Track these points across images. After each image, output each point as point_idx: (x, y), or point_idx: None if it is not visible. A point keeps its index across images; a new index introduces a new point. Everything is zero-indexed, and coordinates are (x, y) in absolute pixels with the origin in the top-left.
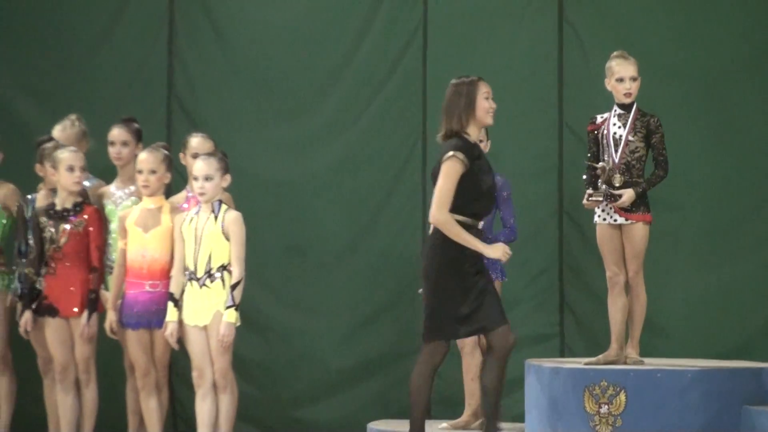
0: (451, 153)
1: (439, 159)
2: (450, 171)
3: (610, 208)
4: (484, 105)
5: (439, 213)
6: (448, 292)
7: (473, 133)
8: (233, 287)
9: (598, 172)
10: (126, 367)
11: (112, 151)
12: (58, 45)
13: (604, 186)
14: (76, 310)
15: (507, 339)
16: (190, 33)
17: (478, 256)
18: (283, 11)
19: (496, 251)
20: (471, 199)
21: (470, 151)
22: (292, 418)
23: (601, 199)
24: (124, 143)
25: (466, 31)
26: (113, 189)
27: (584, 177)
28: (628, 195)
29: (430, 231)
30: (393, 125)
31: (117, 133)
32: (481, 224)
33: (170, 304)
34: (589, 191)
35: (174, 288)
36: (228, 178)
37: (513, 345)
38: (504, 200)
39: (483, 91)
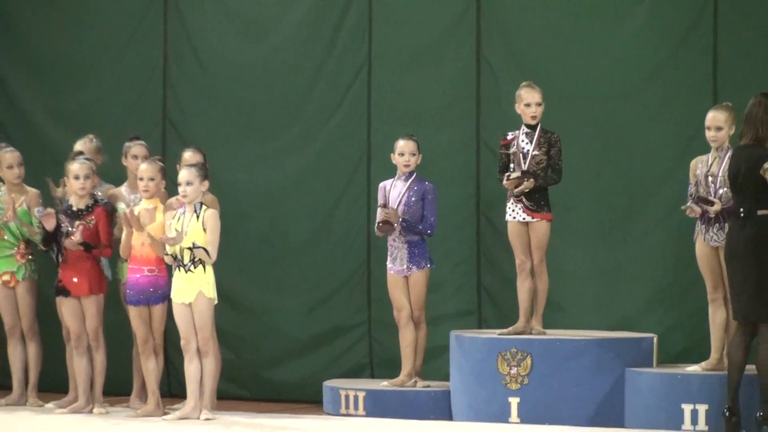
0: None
1: (748, 165)
2: None
3: (520, 209)
4: None
5: None
6: None
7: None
8: (206, 251)
9: (512, 175)
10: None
11: (134, 163)
12: (75, 75)
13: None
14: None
15: None
16: (180, 68)
17: None
18: (256, 50)
19: None
20: None
21: None
22: (263, 378)
23: (519, 174)
24: (146, 157)
25: (402, 65)
26: (124, 192)
27: (498, 176)
28: (530, 182)
29: (748, 225)
30: (344, 143)
31: (141, 149)
32: None
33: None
34: (507, 174)
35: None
36: (206, 183)
37: None
38: (429, 202)
39: None
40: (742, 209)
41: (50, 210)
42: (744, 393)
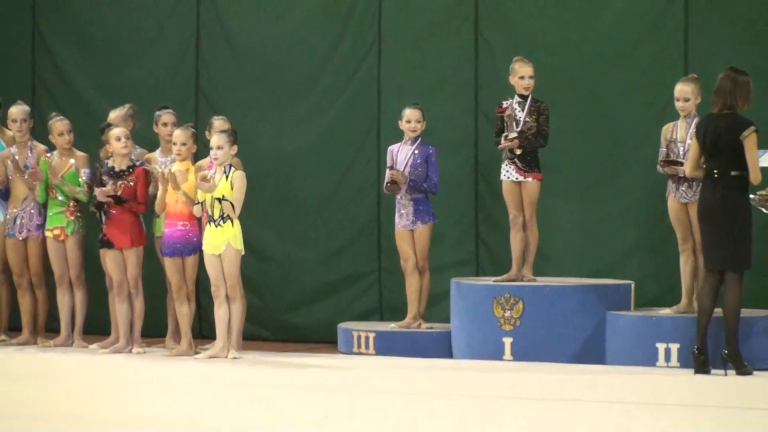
0: (753, 127)
1: (729, 130)
2: (756, 141)
3: (513, 170)
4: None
5: (760, 174)
6: (750, 228)
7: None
8: (231, 205)
9: (509, 135)
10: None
11: (165, 129)
12: (118, 51)
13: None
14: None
15: None
16: (211, 45)
17: None
18: (278, 29)
19: None
20: None
21: None
22: (284, 321)
23: (515, 135)
24: (174, 124)
25: (409, 42)
26: (158, 155)
27: (495, 139)
28: (517, 141)
29: (722, 185)
30: (356, 112)
31: (169, 117)
32: None
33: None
34: (503, 136)
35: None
36: (235, 147)
37: None
38: (432, 164)
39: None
40: (716, 170)
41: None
42: (711, 333)
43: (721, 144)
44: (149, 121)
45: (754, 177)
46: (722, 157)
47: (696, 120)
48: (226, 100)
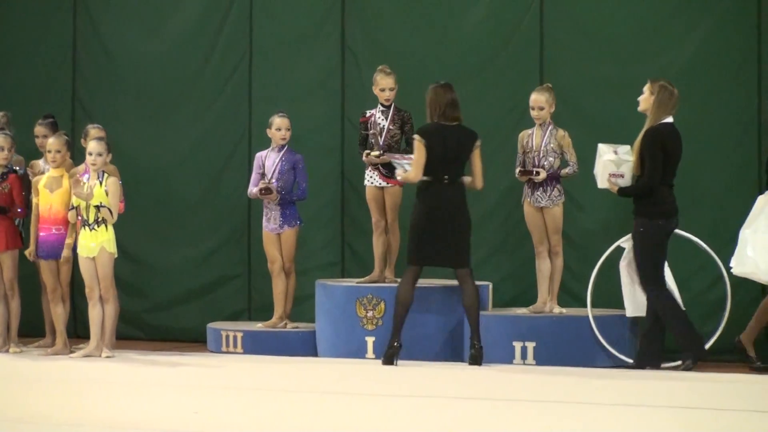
0: (480, 140)
1: (459, 142)
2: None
3: (376, 176)
4: None
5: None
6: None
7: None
8: (109, 211)
9: (372, 153)
10: (41, 285)
11: (37, 141)
12: None
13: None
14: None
15: None
16: (88, 55)
17: None
18: (154, 42)
19: None
20: None
21: None
22: (156, 321)
23: (379, 153)
24: (45, 136)
25: (278, 54)
26: (42, 164)
27: (359, 149)
28: (384, 157)
29: (452, 189)
30: (228, 121)
31: (40, 129)
32: None
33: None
34: (367, 152)
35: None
36: (110, 155)
37: None
38: (300, 171)
39: None
40: (447, 176)
41: None
42: (574, 330)
43: (454, 153)
44: (28, 130)
45: (480, 183)
46: (453, 164)
47: (551, 127)
48: (102, 110)
